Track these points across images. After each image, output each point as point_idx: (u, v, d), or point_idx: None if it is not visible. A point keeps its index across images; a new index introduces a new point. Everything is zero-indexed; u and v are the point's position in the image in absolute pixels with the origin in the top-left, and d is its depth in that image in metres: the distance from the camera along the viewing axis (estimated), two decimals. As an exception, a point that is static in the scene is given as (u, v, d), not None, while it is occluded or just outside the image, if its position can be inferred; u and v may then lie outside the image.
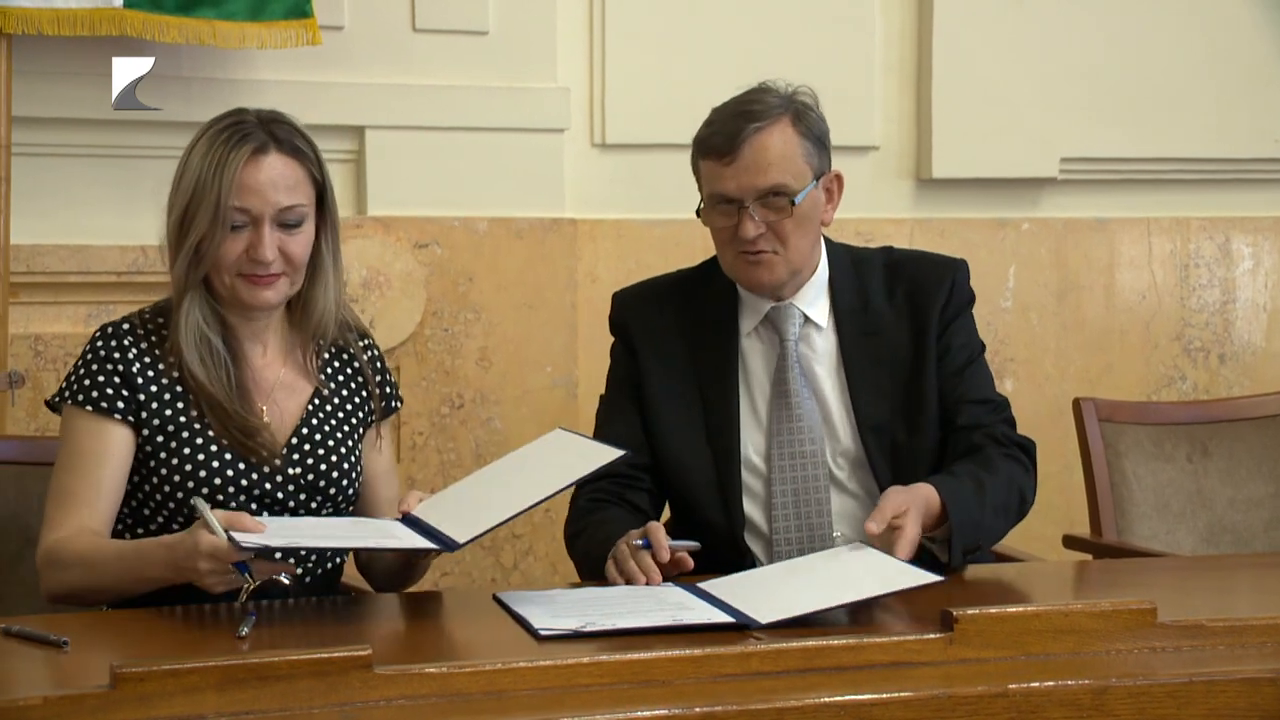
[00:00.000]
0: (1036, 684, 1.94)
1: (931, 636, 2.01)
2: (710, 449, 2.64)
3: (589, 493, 2.64)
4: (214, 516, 2.14)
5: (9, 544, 2.59)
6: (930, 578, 2.20)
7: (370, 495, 2.56)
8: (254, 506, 2.40)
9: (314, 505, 2.45)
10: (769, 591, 2.22)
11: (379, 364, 2.59)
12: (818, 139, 2.62)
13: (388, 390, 2.60)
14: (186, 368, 2.39)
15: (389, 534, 2.27)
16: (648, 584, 2.31)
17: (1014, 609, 2.06)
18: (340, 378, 2.54)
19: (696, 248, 3.79)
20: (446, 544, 2.20)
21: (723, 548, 2.56)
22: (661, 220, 3.80)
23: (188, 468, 2.37)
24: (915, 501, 2.40)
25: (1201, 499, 3.22)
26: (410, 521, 2.31)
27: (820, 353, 2.67)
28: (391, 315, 3.57)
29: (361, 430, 2.54)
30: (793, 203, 2.58)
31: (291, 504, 2.42)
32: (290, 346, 2.50)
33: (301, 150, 2.41)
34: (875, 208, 3.92)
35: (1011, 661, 2.00)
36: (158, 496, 2.39)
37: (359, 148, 3.58)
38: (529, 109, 3.67)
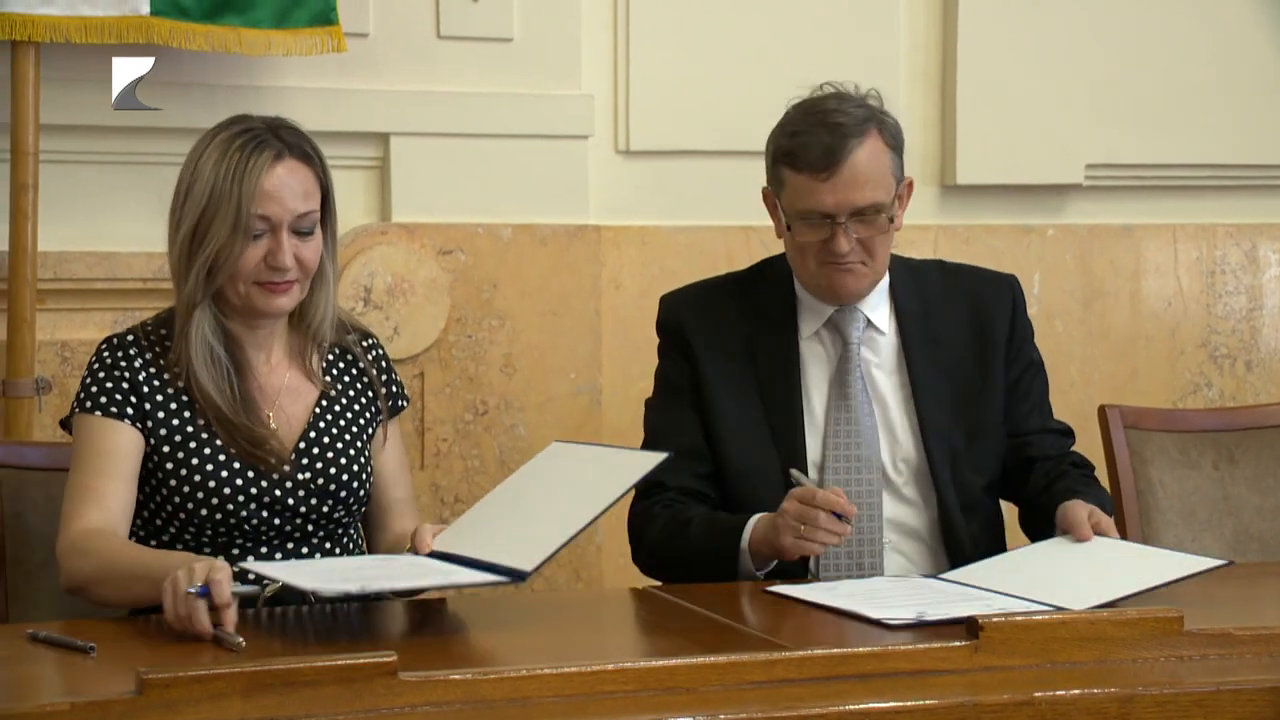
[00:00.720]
0: (1062, 692, 1.94)
1: (956, 644, 2.01)
2: (776, 454, 2.62)
3: (660, 501, 2.61)
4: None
5: (36, 550, 2.60)
6: (1213, 562, 2.29)
7: (380, 497, 2.55)
8: (265, 514, 2.40)
9: (325, 509, 2.44)
10: (1051, 582, 2.28)
11: (383, 363, 2.59)
12: (898, 148, 2.63)
13: (393, 389, 2.59)
14: (194, 379, 2.40)
15: (438, 571, 2.19)
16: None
17: (1039, 616, 2.06)
18: (345, 379, 2.54)
19: (720, 254, 3.80)
20: (514, 574, 2.12)
21: None
22: (686, 227, 3.80)
23: (197, 478, 2.38)
24: (1092, 506, 2.48)
25: (1228, 506, 3.21)
26: (439, 557, 2.26)
27: (883, 357, 2.67)
28: (415, 322, 3.58)
29: (370, 431, 2.54)
30: (890, 219, 2.58)
31: (303, 509, 2.42)
32: (292, 352, 2.51)
33: (310, 155, 2.42)
34: (900, 214, 3.92)
35: (1037, 670, 1.99)
36: (169, 507, 2.40)
37: (383, 154, 3.59)
38: (553, 116, 3.67)
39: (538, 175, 3.67)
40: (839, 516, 2.38)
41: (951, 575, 2.42)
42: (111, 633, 2.14)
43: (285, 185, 2.37)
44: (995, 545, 2.66)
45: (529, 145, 3.66)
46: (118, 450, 2.39)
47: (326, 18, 3.33)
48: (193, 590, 2.04)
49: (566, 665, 1.90)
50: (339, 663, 1.83)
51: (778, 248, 3.86)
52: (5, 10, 3.10)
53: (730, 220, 3.83)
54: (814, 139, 2.56)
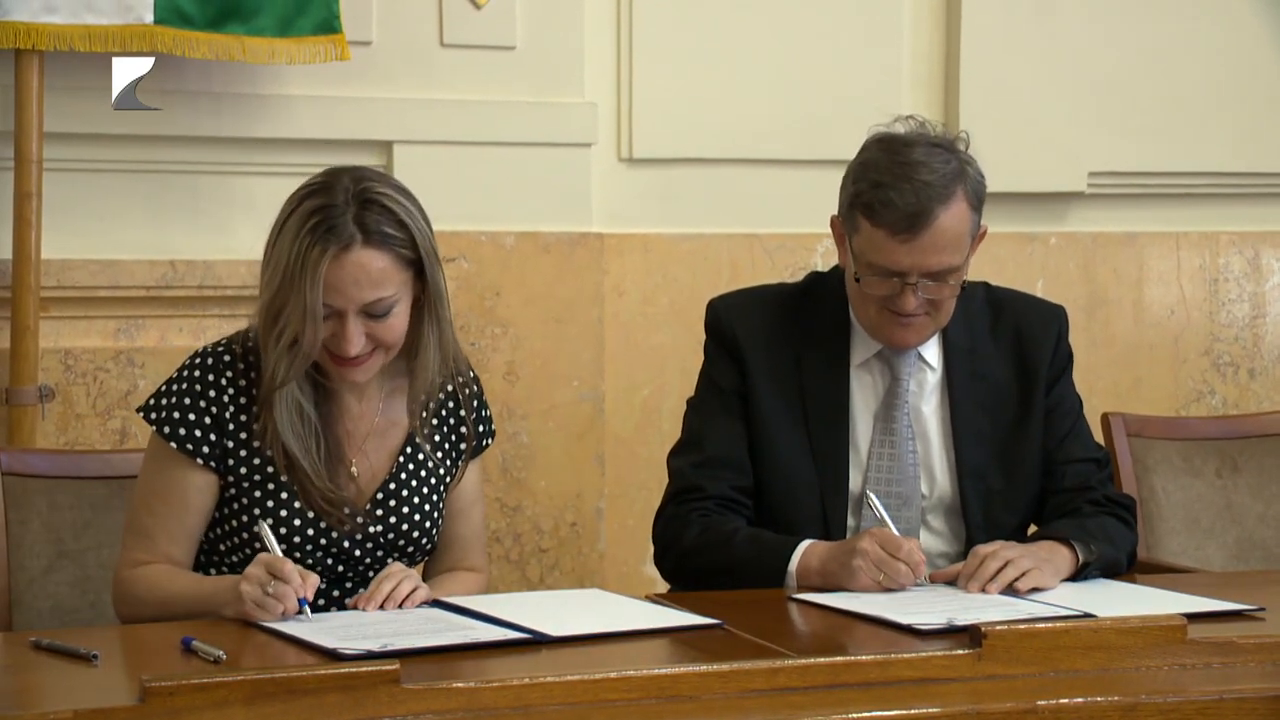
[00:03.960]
0: (1065, 700, 1.94)
1: (960, 652, 2.00)
2: (818, 481, 2.58)
3: (697, 509, 2.56)
4: (274, 543, 2.24)
5: (40, 558, 2.60)
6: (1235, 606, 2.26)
7: (443, 531, 2.51)
8: (329, 561, 2.38)
9: (388, 561, 2.41)
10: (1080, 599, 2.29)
11: (475, 401, 2.53)
12: (979, 205, 2.56)
13: (479, 430, 2.53)
14: (282, 444, 2.34)
15: (458, 627, 2.14)
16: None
17: (1043, 625, 2.05)
18: (434, 421, 2.48)
19: (723, 262, 3.80)
20: (537, 635, 2.08)
21: None
22: (688, 234, 3.81)
23: (269, 521, 2.35)
24: (1002, 545, 2.41)
25: (1231, 514, 3.20)
26: (451, 609, 2.24)
27: (928, 392, 2.63)
28: (419, 329, 3.58)
29: (449, 480, 2.49)
30: (963, 285, 2.54)
31: (368, 560, 2.40)
32: (390, 392, 2.45)
33: (391, 237, 2.30)
34: (902, 222, 3.92)
35: (1040, 678, 1.99)
36: (234, 539, 2.38)
37: (387, 163, 3.59)
38: (556, 124, 3.67)
39: (541, 183, 3.67)
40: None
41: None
42: (115, 641, 2.14)
43: (351, 276, 2.27)
44: None
45: (532, 153, 3.66)
46: (184, 497, 2.36)
47: (330, 26, 3.34)
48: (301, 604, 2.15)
49: (569, 673, 1.90)
50: (341, 671, 1.84)
51: (780, 255, 3.90)
52: (9, 19, 3.10)
53: (733, 228, 3.84)
54: (898, 197, 2.46)
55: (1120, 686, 1.98)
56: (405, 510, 2.42)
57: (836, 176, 2.65)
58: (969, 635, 2.02)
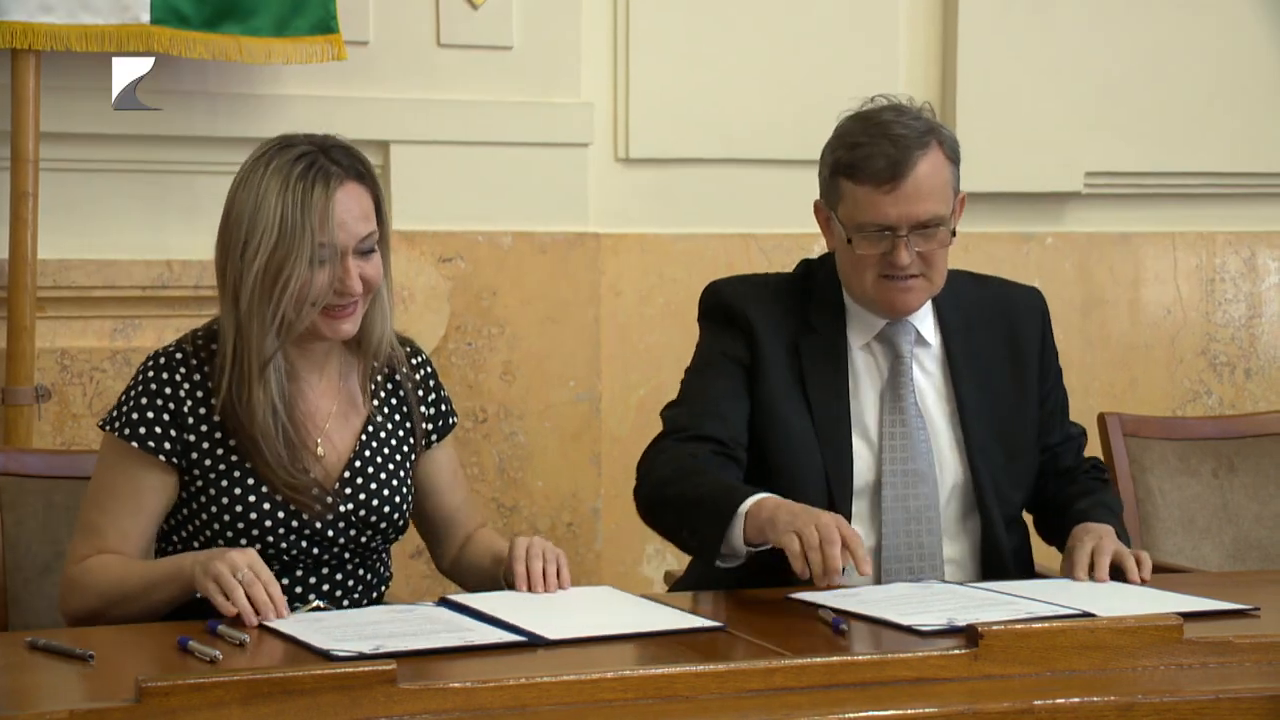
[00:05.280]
0: (1062, 700, 1.94)
1: (956, 652, 2.01)
2: (822, 462, 2.58)
3: (677, 443, 2.54)
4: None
5: (36, 557, 2.60)
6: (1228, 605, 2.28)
7: (438, 509, 2.54)
8: (304, 544, 2.38)
9: (364, 539, 2.43)
10: (1080, 598, 2.30)
11: (431, 382, 2.55)
12: (957, 161, 2.59)
13: (442, 409, 2.55)
14: (271, 412, 2.34)
15: (457, 628, 2.13)
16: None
17: (1039, 625, 2.05)
18: (393, 401, 2.50)
19: (719, 261, 3.80)
20: (534, 637, 2.07)
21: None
22: (685, 234, 3.81)
23: (239, 509, 2.35)
24: (1100, 536, 2.50)
25: (1227, 514, 3.21)
26: (453, 608, 2.23)
27: (930, 370, 2.64)
28: (415, 329, 3.57)
29: (414, 456, 2.50)
30: (953, 233, 2.55)
31: (342, 540, 2.41)
32: (345, 371, 2.46)
33: (364, 173, 2.37)
34: (899, 222, 3.92)
35: (1037, 678, 1.99)
36: (206, 533, 2.38)
37: (384, 162, 3.60)
38: (553, 124, 3.68)
39: (538, 183, 3.67)
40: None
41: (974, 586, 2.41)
42: (110, 641, 2.14)
43: (349, 211, 2.32)
44: (1029, 560, 2.67)
45: (529, 153, 3.66)
46: (138, 496, 2.35)
47: (327, 26, 3.34)
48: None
49: (566, 673, 1.90)
50: (338, 671, 1.83)
51: (776, 255, 3.89)
52: (6, 19, 3.10)
53: (729, 228, 3.84)
54: (877, 150, 2.51)
55: (1117, 686, 1.98)
56: (374, 486, 2.43)
57: (833, 177, 2.66)
58: (966, 635, 2.02)
